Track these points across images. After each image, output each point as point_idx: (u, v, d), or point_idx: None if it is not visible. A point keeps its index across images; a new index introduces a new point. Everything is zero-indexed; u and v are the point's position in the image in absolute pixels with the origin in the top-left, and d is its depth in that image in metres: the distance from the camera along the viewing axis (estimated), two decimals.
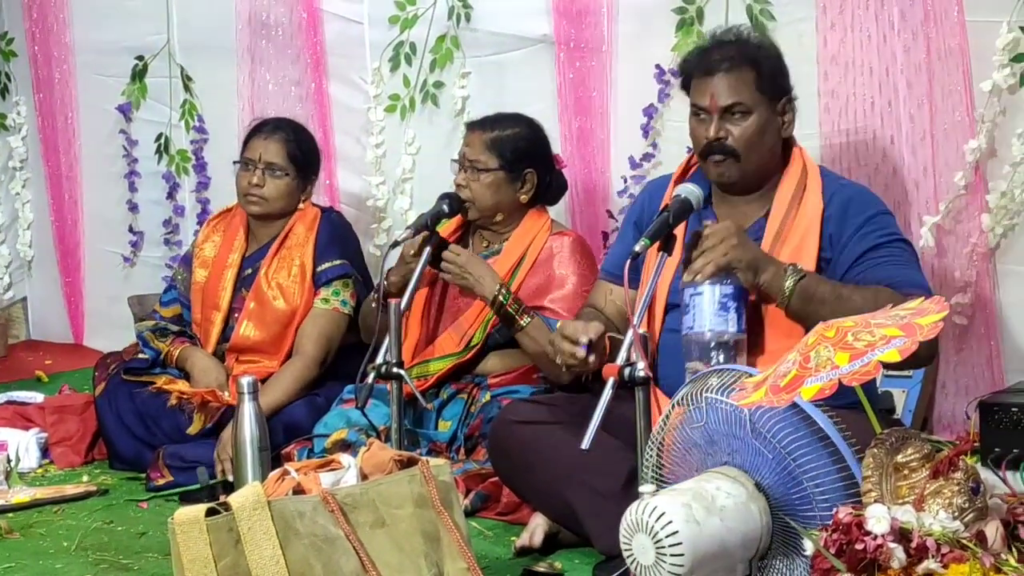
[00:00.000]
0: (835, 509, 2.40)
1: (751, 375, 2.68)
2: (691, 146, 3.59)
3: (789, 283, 3.23)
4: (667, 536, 2.49)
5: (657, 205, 3.52)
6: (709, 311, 3.21)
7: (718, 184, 3.50)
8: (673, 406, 2.80)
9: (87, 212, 5.95)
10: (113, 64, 5.72)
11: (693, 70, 3.51)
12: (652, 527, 2.49)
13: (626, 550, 2.54)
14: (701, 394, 2.71)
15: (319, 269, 4.50)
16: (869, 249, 3.35)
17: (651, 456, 2.82)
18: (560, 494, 3.34)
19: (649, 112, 4.46)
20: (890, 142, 4.14)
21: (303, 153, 4.59)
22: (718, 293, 3.22)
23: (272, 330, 4.48)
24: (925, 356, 3.30)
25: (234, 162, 4.61)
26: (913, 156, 4.11)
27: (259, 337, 4.49)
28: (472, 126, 4.28)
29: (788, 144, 3.54)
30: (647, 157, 4.49)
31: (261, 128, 4.60)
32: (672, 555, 2.48)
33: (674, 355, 3.33)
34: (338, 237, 4.60)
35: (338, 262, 4.52)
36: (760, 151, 3.45)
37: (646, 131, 4.47)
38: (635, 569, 2.53)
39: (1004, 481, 3.43)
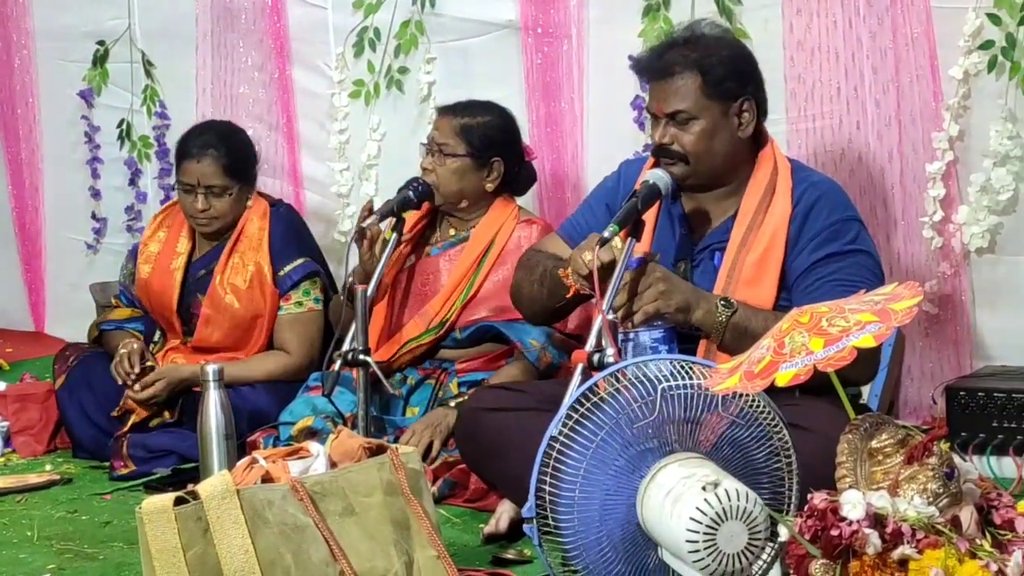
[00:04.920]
0: (810, 494, 2.40)
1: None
2: None
3: (721, 319, 3.24)
4: (760, 512, 2.48)
5: (631, 188, 3.49)
6: (639, 356, 3.19)
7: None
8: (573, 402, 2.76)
9: (48, 199, 5.89)
10: (74, 49, 5.66)
11: (643, 72, 3.52)
12: (746, 509, 2.47)
13: (708, 546, 2.48)
14: (653, 386, 2.67)
15: (281, 272, 4.44)
16: (823, 258, 3.33)
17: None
18: (529, 481, 3.33)
19: (638, 104, 4.42)
20: (856, 127, 4.16)
21: (238, 162, 4.47)
22: (647, 339, 3.21)
23: (234, 333, 4.45)
24: (869, 372, 3.38)
25: (172, 186, 4.54)
26: (879, 141, 4.12)
27: (220, 339, 4.46)
28: (443, 111, 4.27)
29: (757, 140, 3.50)
30: (650, 148, 4.45)
31: (189, 148, 4.44)
32: (765, 529, 2.49)
33: None
34: (293, 235, 4.53)
35: (300, 261, 4.46)
36: (710, 155, 3.42)
37: (641, 124, 4.42)
38: (717, 563, 2.48)
39: None
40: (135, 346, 4.36)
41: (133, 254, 4.71)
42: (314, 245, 4.63)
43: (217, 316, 4.44)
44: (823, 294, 3.14)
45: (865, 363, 3.16)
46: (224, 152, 4.43)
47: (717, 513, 2.48)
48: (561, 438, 2.71)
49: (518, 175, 4.27)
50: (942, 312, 4.10)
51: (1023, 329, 4.04)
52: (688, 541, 2.49)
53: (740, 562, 2.49)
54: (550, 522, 2.72)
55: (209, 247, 4.55)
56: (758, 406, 2.67)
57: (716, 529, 2.48)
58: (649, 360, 2.77)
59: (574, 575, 2.72)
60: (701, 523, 2.48)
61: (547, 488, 2.71)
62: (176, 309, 4.51)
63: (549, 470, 2.71)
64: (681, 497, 2.53)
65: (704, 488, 2.50)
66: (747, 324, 3.23)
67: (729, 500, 2.48)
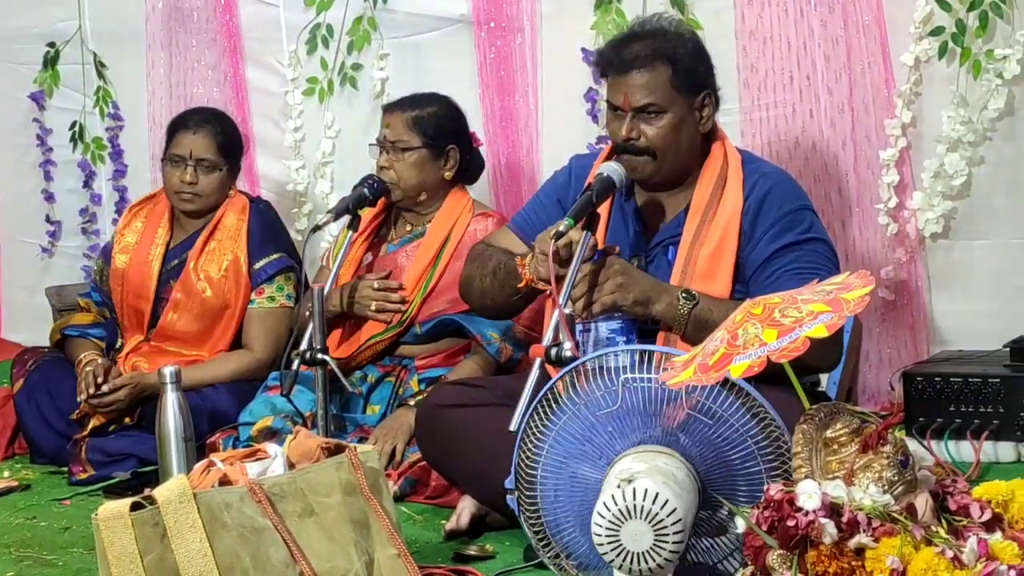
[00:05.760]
0: (766, 485, 2.41)
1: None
2: None
3: (683, 311, 3.23)
4: (668, 515, 2.47)
5: (582, 183, 3.48)
6: (595, 347, 3.19)
7: (634, 179, 3.47)
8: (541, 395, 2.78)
9: (1, 202, 5.85)
10: (24, 51, 5.61)
11: (608, 66, 3.47)
12: (652, 511, 2.46)
13: (611, 541, 2.49)
14: (614, 377, 2.69)
15: (257, 265, 4.43)
16: (780, 249, 3.33)
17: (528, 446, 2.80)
18: (489, 476, 3.32)
19: (592, 97, 4.43)
20: (809, 115, 4.18)
21: (231, 143, 4.53)
22: (604, 330, 3.21)
23: (200, 323, 4.43)
24: (832, 359, 3.38)
25: (161, 159, 4.52)
26: (832, 129, 4.14)
27: (185, 327, 4.43)
28: (390, 107, 4.27)
29: (711, 135, 3.49)
30: (603, 140, 4.46)
31: (186, 122, 4.50)
32: (675, 533, 2.47)
33: None
34: (271, 230, 4.53)
35: (276, 256, 4.45)
36: (676, 149, 3.42)
37: (594, 116, 4.43)
38: (622, 559, 2.49)
39: (929, 451, 3.48)
40: (100, 362, 4.32)
41: (106, 251, 4.68)
42: (290, 242, 4.64)
43: (187, 301, 4.42)
44: (782, 284, 3.15)
45: (828, 350, 3.18)
46: (220, 130, 4.50)
47: (620, 510, 2.48)
48: (536, 422, 2.74)
49: (470, 162, 4.28)
50: (898, 298, 4.12)
51: (978, 313, 4.07)
52: (594, 533, 2.51)
53: (646, 562, 2.48)
54: (524, 496, 2.78)
55: (185, 236, 4.53)
56: (733, 404, 2.65)
57: (619, 525, 2.48)
58: (609, 352, 2.78)
59: (546, 547, 2.78)
60: (604, 517, 2.49)
61: (524, 466, 2.77)
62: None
63: (527, 449, 2.75)
64: (606, 489, 2.55)
65: (619, 485, 2.50)
66: (709, 316, 3.22)
67: (635, 499, 2.47)
